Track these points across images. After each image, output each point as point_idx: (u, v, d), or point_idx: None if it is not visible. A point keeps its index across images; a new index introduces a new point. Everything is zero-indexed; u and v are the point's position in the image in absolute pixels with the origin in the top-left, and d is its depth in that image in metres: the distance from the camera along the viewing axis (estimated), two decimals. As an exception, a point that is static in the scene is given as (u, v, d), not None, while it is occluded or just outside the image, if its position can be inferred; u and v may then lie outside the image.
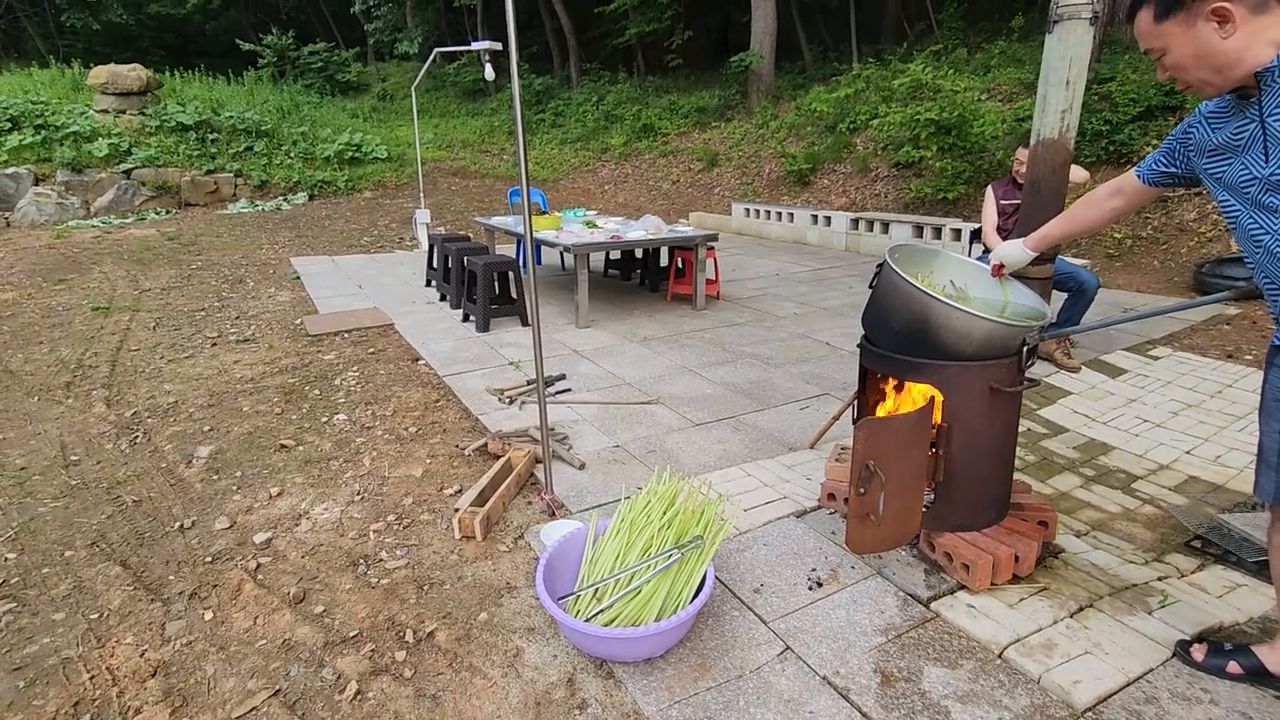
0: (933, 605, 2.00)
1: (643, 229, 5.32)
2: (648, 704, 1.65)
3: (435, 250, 6.09)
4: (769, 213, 9.72)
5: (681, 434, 3.23)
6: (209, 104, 13.51)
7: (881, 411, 2.40)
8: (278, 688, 1.74)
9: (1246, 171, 1.45)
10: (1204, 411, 3.45)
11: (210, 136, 12.62)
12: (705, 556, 1.90)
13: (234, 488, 2.75)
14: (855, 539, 1.92)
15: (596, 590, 1.84)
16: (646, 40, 16.82)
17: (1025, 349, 2.02)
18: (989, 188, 4.34)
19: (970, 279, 2.35)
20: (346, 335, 4.86)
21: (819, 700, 1.67)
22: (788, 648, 1.84)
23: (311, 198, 12.61)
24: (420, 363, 4.27)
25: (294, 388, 3.85)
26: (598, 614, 1.76)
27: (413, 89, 9.59)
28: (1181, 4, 1.39)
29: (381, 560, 2.24)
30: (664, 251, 6.65)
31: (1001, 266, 2.18)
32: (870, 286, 2.22)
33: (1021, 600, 2.04)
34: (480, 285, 4.83)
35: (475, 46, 7.99)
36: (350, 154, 14.16)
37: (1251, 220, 1.48)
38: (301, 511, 2.55)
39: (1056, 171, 3.59)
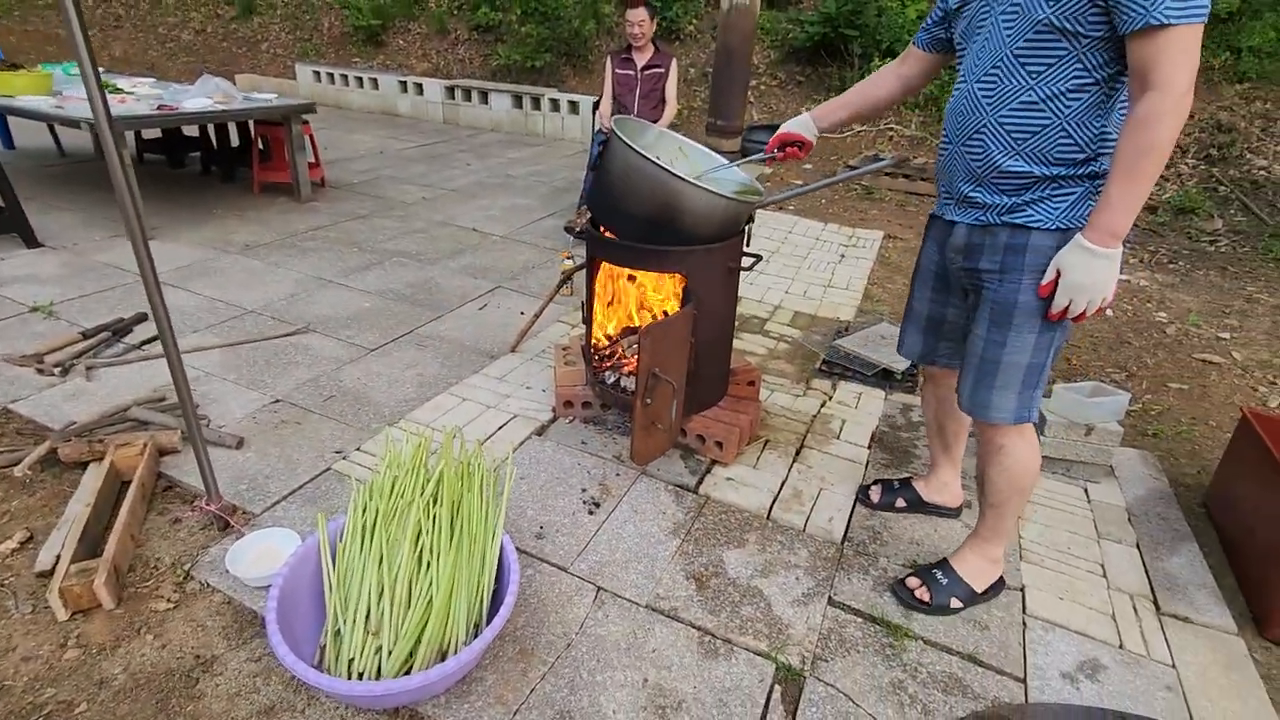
0: (701, 489, 2.03)
1: (203, 96, 3.87)
2: (485, 730, 1.30)
3: None
4: (347, 78, 8.28)
5: (358, 366, 2.59)
6: None
7: (601, 306, 2.24)
8: None
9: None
10: (784, 256, 4.18)
11: None
12: (494, 520, 1.54)
13: None
14: (641, 451, 1.78)
15: (368, 618, 1.34)
16: None
17: (749, 224, 2.04)
18: (608, 58, 4.26)
19: (692, 155, 2.22)
20: None
21: (656, 633, 1.55)
22: (600, 589, 1.66)
23: None
24: None
25: None
26: (378, 653, 1.29)
27: None
28: None
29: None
30: (232, 129, 5.11)
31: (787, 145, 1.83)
32: (593, 166, 1.94)
33: (759, 458, 2.21)
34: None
35: None
36: None
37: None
38: None
39: (747, 39, 3.55)
